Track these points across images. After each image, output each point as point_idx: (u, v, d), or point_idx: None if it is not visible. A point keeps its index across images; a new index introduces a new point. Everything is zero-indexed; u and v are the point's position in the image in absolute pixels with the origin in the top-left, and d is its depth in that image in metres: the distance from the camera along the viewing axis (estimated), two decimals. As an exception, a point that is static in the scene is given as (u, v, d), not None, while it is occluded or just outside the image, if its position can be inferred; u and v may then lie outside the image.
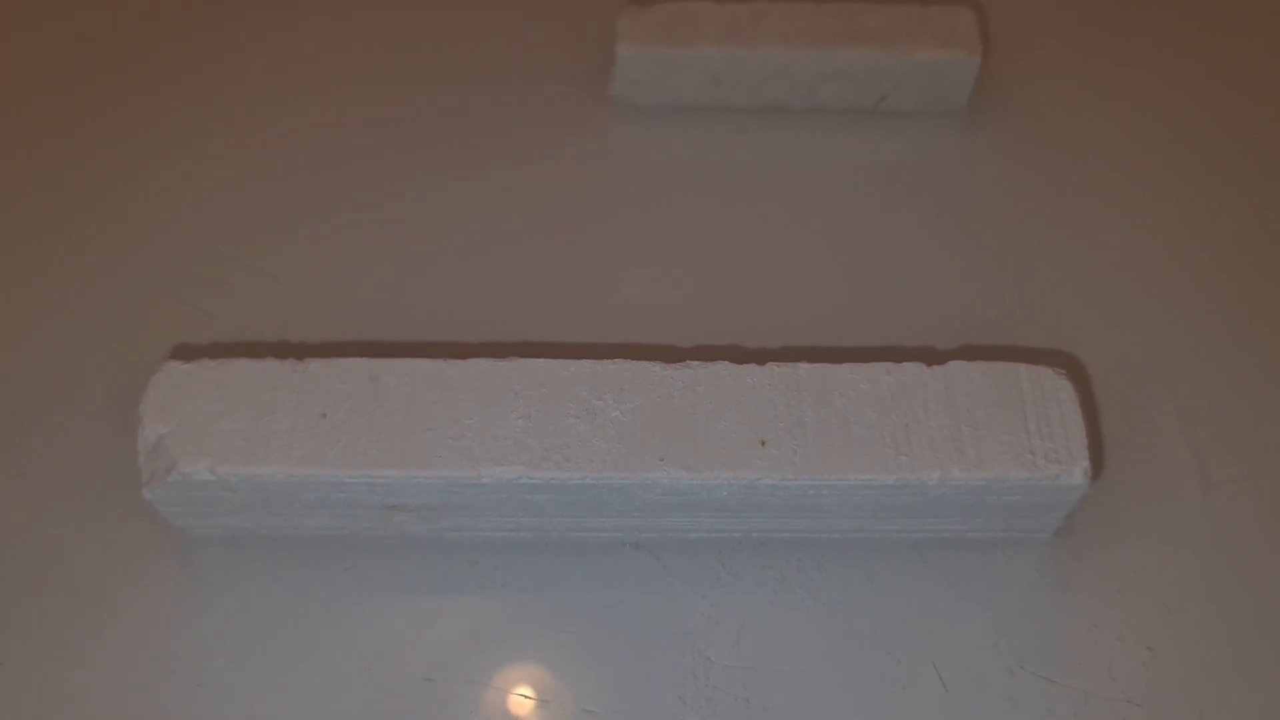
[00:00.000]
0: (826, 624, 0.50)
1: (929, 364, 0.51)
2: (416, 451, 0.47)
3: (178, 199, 0.65)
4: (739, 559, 0.52)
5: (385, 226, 0.64)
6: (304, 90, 0.70)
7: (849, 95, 0.69)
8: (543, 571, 0.52)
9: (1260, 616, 0.51)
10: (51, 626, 0.50)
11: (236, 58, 0.72)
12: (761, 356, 0.51)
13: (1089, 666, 0.49)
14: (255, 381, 0.49)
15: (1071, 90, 0.71)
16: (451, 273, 0.62)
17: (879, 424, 0.49)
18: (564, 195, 0.66)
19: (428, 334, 0.59)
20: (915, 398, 0.49)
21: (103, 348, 0.58)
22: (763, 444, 0.48)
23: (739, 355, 0.51)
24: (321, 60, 0.72)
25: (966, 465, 0.48)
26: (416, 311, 0.60)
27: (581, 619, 0.50)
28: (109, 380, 0.57)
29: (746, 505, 0.49)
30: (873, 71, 0.67)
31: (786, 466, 0.47)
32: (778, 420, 0.49)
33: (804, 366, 0.50)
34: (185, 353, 0.57)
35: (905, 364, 0.50)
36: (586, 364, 0.50)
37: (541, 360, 0.50)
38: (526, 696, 0.49)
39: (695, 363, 0.50)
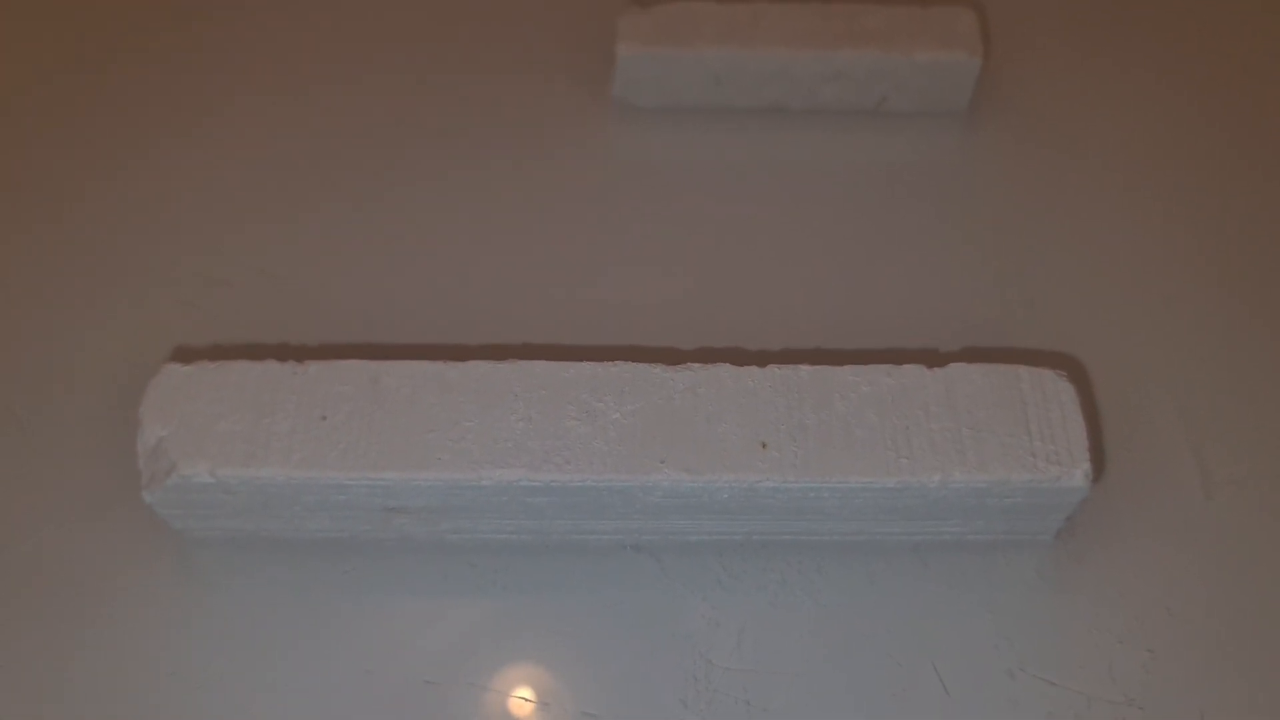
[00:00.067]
0: (827, 626, 0.50)
1: (930, 366, 0.50)
2: (417, 454, 0.47)
3: (177, 199, 0.65)
4: (740, 561, 0.52)
5: (386, 228, 0.64)
6: (306, 92, 0.70)
7: (849, 96, 0.68)
8: (543, 574, 0.52)
9: (1262, 618, 0.51)
10: (51, 629, 0.50)
11: (239, 56, 0.72)
12: (762, 359, 0.51)
13: (1090, 668, 0.49)
14: (255, 383, 0.49)
15: (1073, 91, 0.71)
16: (452, 274, 0.62)
17: (880, 426, 0.49)
18: (565, 197, 0.65)
19: (428, 336, 0.59)
20: (916, 400, 0.49)
21: (103, 348, 0.58)
22: (764, 446, 0.48)
23: (740, 357, 0.51)
24: (324, 61, 0.72)
25: (967, 467, 0.48)
26: (417, 313, 0.60)
27: (582, 621, 0.50)
28: (108, 381, 0.57)
29: (747, 508, 0.49)
30: (873, 72, 0.67)
31: (787, 469, 0.47)
32: (779, 423, 0.49)
33: (805, 369, 0.50)
34: (185, 355, 0.57)
35: (906, 366, 0.50)
36: (587, 366, 0.50)
37: (542, 362, 0.50)
38: (527, 699, 0.49)
39: (696, 365, 0.50)
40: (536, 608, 0.51)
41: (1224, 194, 0.66)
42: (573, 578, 0.52)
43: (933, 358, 0.52)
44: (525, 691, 0.49)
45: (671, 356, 0.51)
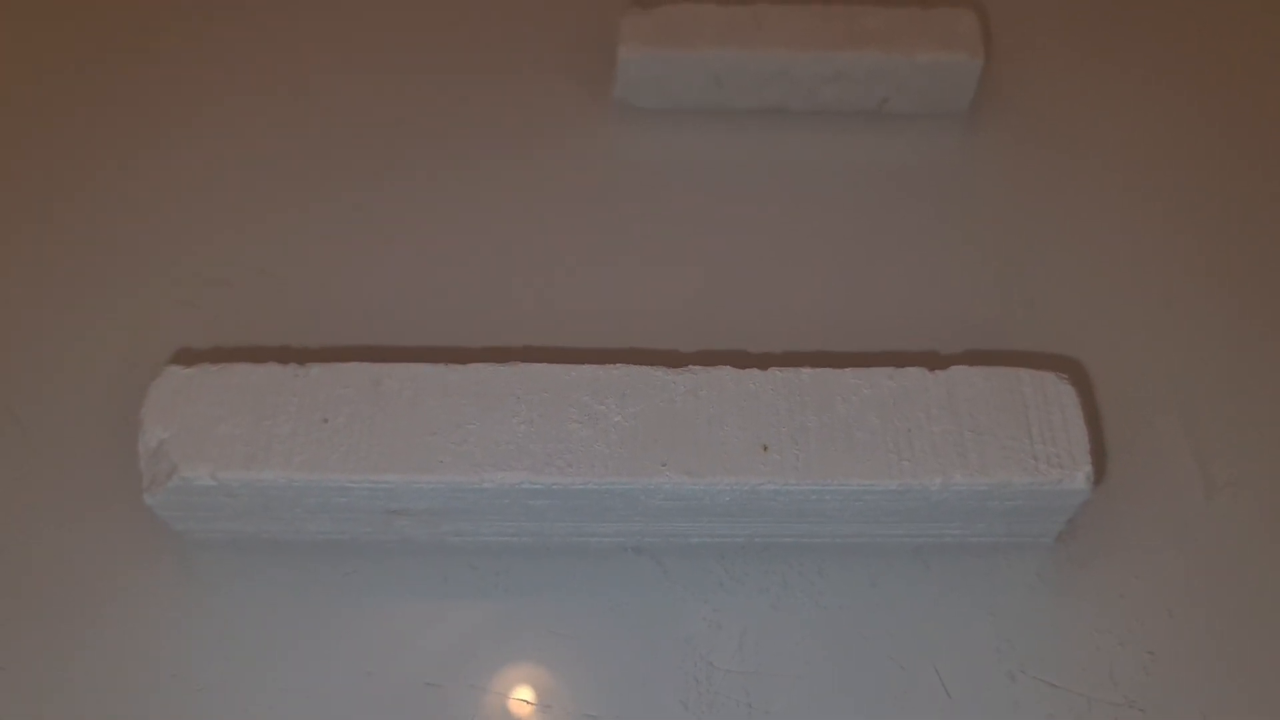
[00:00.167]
0: (828, 629, 0.50)
1: (931, 368, 0.50)
2: (418, 456, 0.47)
3: (178, 200, 0.65)
4: (741, 564, 0.52)
5: (387, 229, 0.64)
6: (309, 95, 0.70)
7: (850, 97, 0.68)
8: (544, 576, 0.52)
9: (1262, 620, 0.51)
10: (53, 630, 0.50)
11: (243, 57, 0.72)
12: (764, 361, 0.51)
13: (1091, 671, 0.49)
14: (256, 386, 0.49)
15: (1074, 92, 0.71)
16: (453, 277, 0.62)
17: (881, 429, 0.49)
18: (566, 199, 0.65)
19: (429, 338, 0.59)
20: (918, 402, 0.49)
21: (104, 350, 0.58)
22: (765, 449, 0.48)
23: (741, 360, 0.51)
24: (329, 65, 0.72)
25: (969, 470, 0.48)
26: (418, 316, 0.60)
27: (583, 623, 0.50)
28: (110, 383, 0.57)
29: (749, 510, 0.49)
30: (874, 73, 0.67)
31: (789, 472, 0.47)
32: (780, 425, 0.49)
33: (806, 371, 0.50)
34: (186, 357, 0.56)
35: (907, 369, 0.50)
36: (588, 369, 0.50)
37: (543, 365, 0.50)
38: (528, 701, 0.49)
39: (697, 367, 0.50)
40: (538, 610, 0.51)
41: (1225, 195, 0.66)
42: (574, 580, 0.52)
43: (934, 360, 0.52)
44: (526, 693, 0.49)
45: (673, 359, 0.51)
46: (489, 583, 0.51)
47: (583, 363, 0.50)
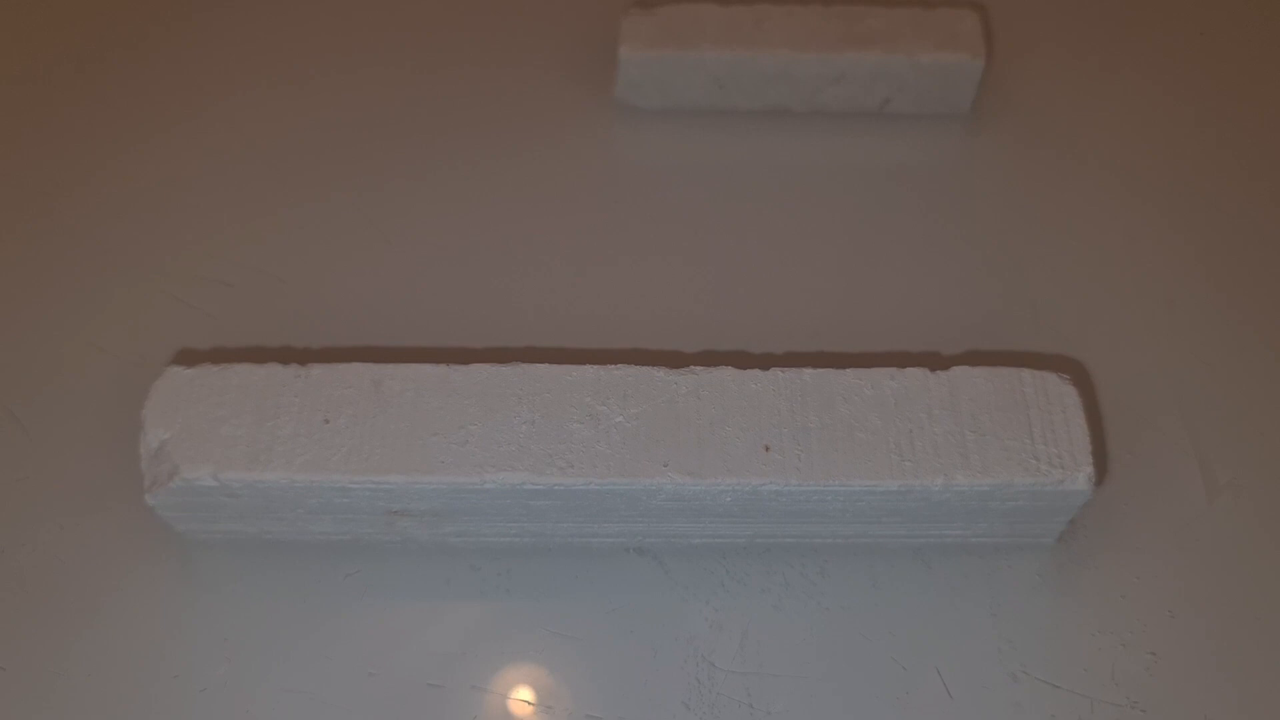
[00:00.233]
0: (830, 629, 0.50)
1: (933, 369, 0.50)
2: (420, 457, 0.47)
3: (179, 200, 0.65)
4: (742, 564, 0.52)
5: (388, 230, 0.64)
6: (309, 94, 0.70)
7: (852, 98, 0.68)
8: (546, 577, 0.52)
9: (1264, 621, 0.51)
10: (53, 631, 0.50)
11: (242, 55, 0.72)
12: (765, 362, 0.51)
13: (1092, 672, 0.49)
14: (258, 386, 0.49)
15: (1077, 93, 0.71)
16: (455, 277, 0.62)
17: (883, 429, 0.49)
18: (566, 199, 0.65)
19: (431, 339, 0.59)
20: (919, 403, 0.49)
21: (104, 350, 0.58)
22: (766, 449, 0.48)
23: (743, 360, 0.51)
24: (329, 64, 0.72)
25: (970, 471, 0.48)
26: (419, 316, 0.60)
27: (584, 624, 0.50)
28: (110, 383, 0.57)
29: (750, 511, 0.49)
30: (876, 74, 0.67)
31: (790, 472, 0.47)
32: (782, 426, 0.48)
33: (808, 372, 0.50)
34: (187, 357, 0.56)
35: (909, 369, 0.50)
36: (590, 369, 0.50)
37: (545, 365, 0.50)
38: (529, 702, 0.49)
39: (699, 368, 0.50)
40: (539, 610, 0.51)
41: (1227, 197, 0.66)
42: (575, 581, 0.52)
43: (936, 360, 0.52)
44: (528, 694, 0.49)
45: (674, 359, 0.51)
46: (490, 583, 0.51)
47: (584, 363, 0.50)
